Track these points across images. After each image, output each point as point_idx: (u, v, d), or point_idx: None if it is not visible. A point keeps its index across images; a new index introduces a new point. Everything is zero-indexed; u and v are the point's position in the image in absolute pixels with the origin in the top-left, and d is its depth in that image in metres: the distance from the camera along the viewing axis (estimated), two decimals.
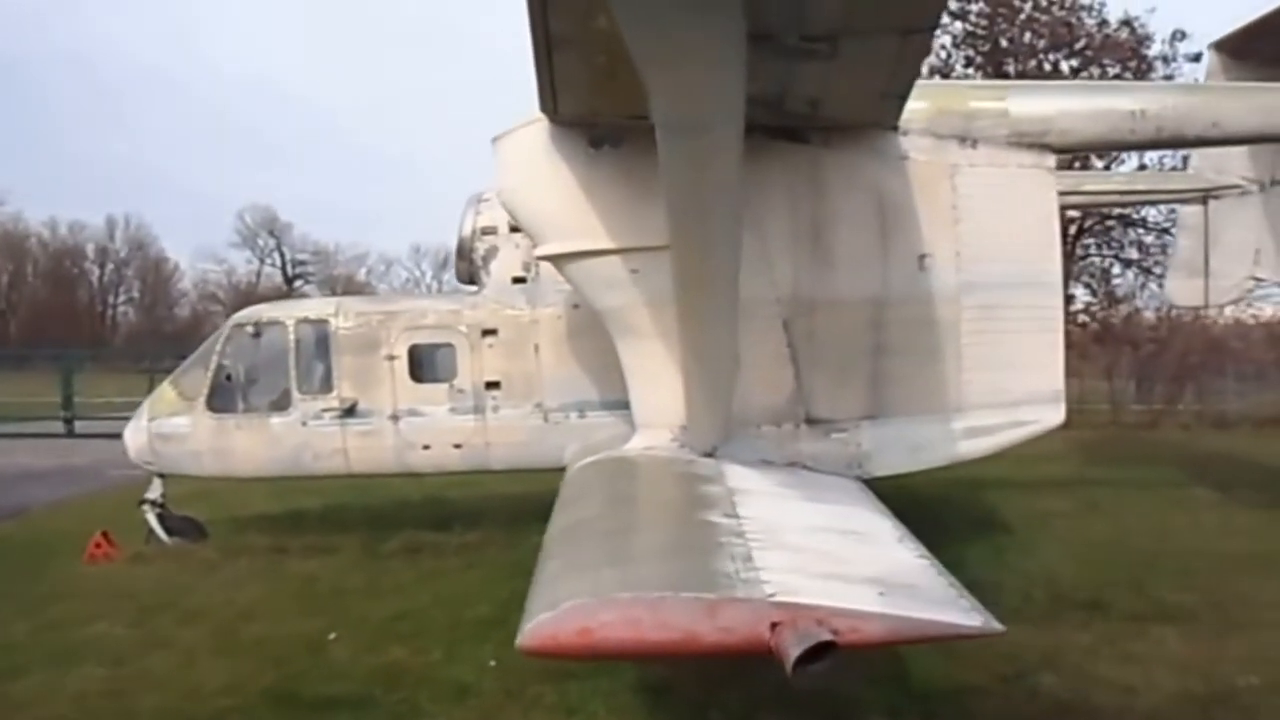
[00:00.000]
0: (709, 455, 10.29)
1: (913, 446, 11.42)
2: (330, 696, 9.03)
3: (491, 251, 14.38)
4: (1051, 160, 11.51)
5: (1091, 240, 37.02)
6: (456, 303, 14.91)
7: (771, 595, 5.27)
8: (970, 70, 35.01)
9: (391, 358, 14.56)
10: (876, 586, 5.80)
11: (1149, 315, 37.14)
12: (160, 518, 15.45)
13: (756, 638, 4.95)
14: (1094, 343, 36.50)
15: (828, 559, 6.57)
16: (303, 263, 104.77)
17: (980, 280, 11.27)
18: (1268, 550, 13.75)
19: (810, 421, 11.19)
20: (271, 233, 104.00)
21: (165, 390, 15.39)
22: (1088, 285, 37.26)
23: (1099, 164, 29.87)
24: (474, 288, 14.78)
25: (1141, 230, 36.07)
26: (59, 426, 36.35)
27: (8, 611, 11.96)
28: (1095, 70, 34.47)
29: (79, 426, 36.08)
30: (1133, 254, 37.09)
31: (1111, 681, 9.05)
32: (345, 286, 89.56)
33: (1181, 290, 18.19)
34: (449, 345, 14.58)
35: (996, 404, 11.45)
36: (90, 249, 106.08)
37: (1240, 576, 12.38)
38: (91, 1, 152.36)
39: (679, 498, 8.70)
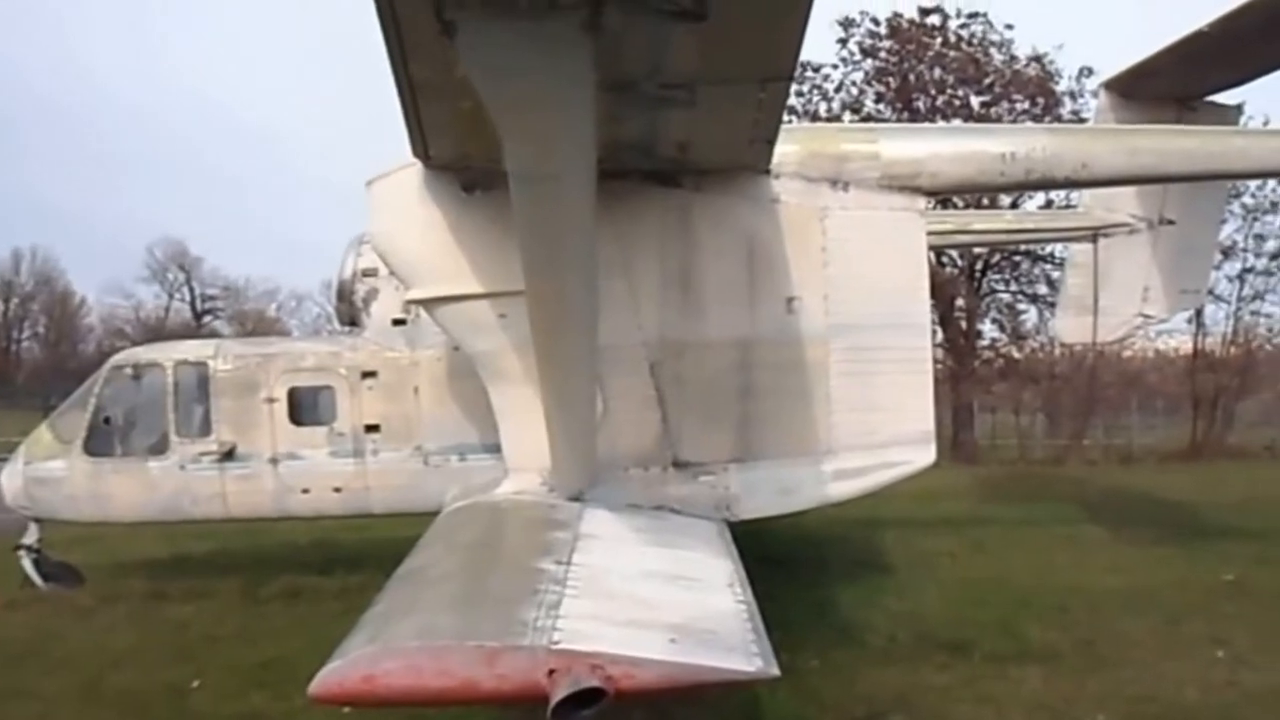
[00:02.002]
0: (576, 499, 10.28)
1: (781, 489, 11.37)
2: None
3: (372, 293, 14.27)
4: (922, 203, 11.59)
5: (999, 276, 37.42)
6: (336, 345, 14.82)
7: (556, 643, 5.31)
8: (881, 106, 35.52)
9: (271, 400, 14.38)
10: (673, 633, 5.86)
11: (1056, 351, 37.58)
12: (36, 563, 15.15)
13: (533, 684, 5.04)
14: (999, 379, 36.92)
15: (639, 606, 6.61)
16: (212, 298, 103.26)
17: (849, 322, 11.28)
18: (1148, 587, 13.99)
19: (678, 465, 11.16)
20: (182, 267, 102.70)
21: (42, 433, 15.14)
22: (995, 321, 37.61)
23: (1006, 202, 30.42)
24: (355, 330, 14.65)
25: (1049, 265, 36.59)
26: None
27: None
28: (1004, 106, 35.07)
29: None
30: (1041, 289, 37.64)
31: None
32: (255, 322, 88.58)
33: (1070, 328, 18.43)
34: (329, 388, 14.43)
35: (866, 446, 11.44)
36: None
37: (1115, 614, 12.58)
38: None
39: (520, 544, 8.68)
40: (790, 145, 11.06)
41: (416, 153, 10.05)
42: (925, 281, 11.85)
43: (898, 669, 10.37)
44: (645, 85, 8.13)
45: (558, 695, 4.89)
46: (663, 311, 10.98)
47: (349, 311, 14.63)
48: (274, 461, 14.33)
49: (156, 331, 77.92)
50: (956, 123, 33.21)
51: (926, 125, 17.13)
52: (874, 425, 11.45)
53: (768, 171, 10.95)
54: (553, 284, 8.64)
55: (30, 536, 15.17)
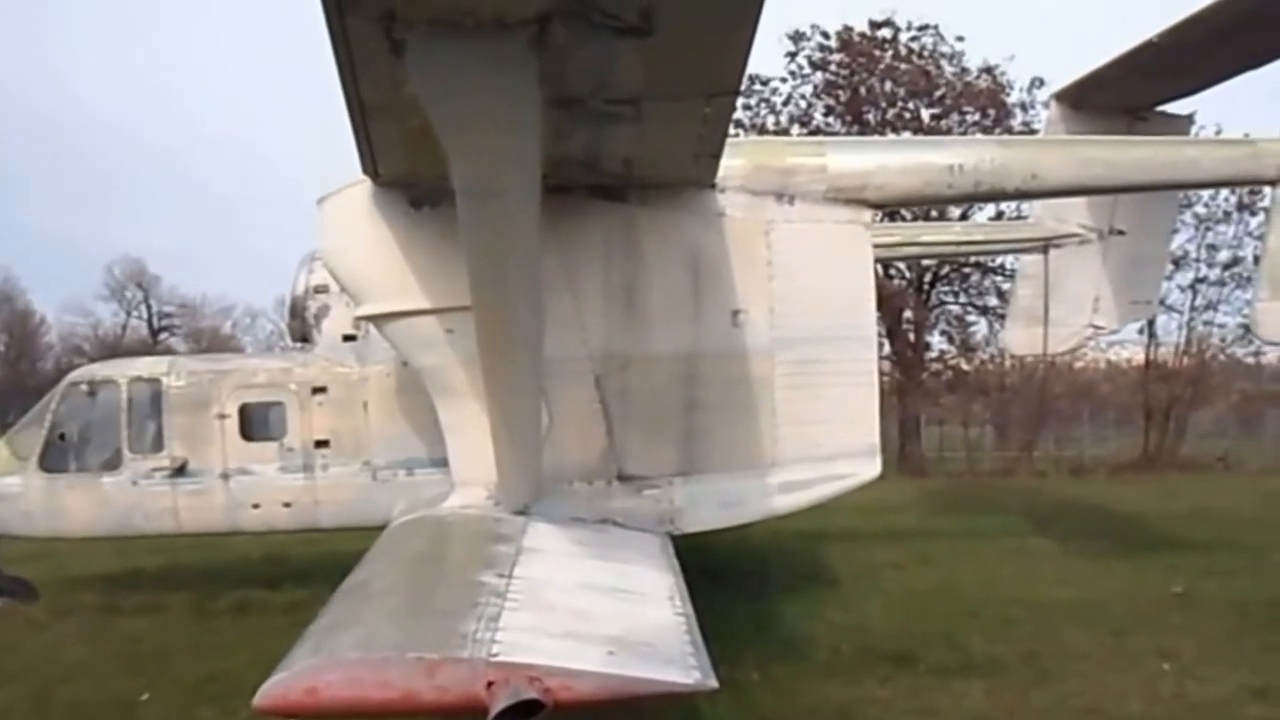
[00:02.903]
0: (521, 513, 10.40)
1: (725, 502, 11.49)
2: None
3: (323, 310, 14.32)
4: (868, 215, 11.72)
5: (948, 288, 37.60)
6: (287, 361, 14.88)
7: (495, 655, 5.39)
8: (830, 119, 35.70)
9: (223, 416, 14.40)
10: (612, 645, 5.96)
11: (1007, 362, 37.73)
12: None
13: (472, 696, 5.13)
14: (947, 390, 37.09)
15: (578, 618, 6.71)
16: (169, 315, 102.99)
17: (794, 335, 11.40)
18: (1096, 599, 14.09)
19: (622, 478, 11.27)
20: (140, 285, 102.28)
21: None
22: (944, 333, 37.80)
23: (955, 213, 30.66)
24: (307, 346, 14.70)
25: (999, 277, 36.84)
26: None
27: None
28: (955, 118, 35.31)
29: None
30: (991, 300, 37.83)
31: None
32: (211, 339, 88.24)
33: (1019, 339, 18.55)
34: (279, 404, 14.47)
35: (811, 458, 11.54)
36: None
37: (1061, 626, 12.66)
38: None
39: (463, 558, 8.74)
40: (736, 159, 11.21)
41: (366, 170, 10.15)
42: (872, 294, 11.96)
43: (840, 681, 10.45)
44: (591, 101, 8.28)
45: (496, 707, 4.96)
46: (608, 325, 11.10)
47: (301, 328, 14.68)
48: (225, 477, 14.35)
49: (114, 349, 77.60)
50: (907, 135, 33.41)
51: (874, 138, 17.29)
52: (819, 438, 11.56)
53: (713, 186, 11.09)
54: (498, 299, 8.75)
55: None
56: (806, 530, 18.54)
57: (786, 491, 11.60)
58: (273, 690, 5.39)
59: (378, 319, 11.31)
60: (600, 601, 7.47)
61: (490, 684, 5.11)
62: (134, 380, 14.72)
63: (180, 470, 14.32)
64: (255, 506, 14.37)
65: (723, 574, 14.90)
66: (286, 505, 14.34)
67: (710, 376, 11.32)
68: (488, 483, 10.72)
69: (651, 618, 6.91)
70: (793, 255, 11.42)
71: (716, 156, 10.08)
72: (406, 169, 9.75)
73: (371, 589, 7.76)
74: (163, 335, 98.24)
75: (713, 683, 5.67)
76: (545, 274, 10.70)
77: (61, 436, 14.69)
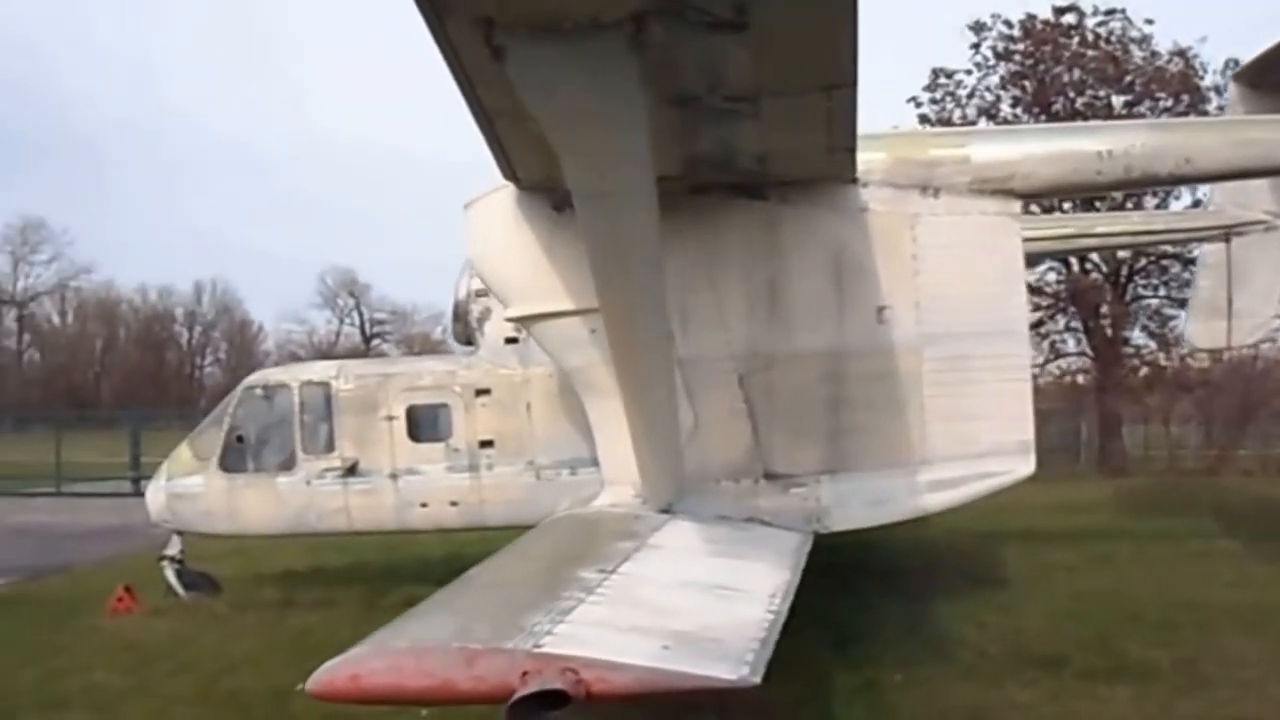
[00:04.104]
0: (666, 511, 10.46)
1: (873, 500, 11.39)
2: None
3: (485, 313, 14.54)
4: (1016, 206, 11.48)
5: (1146, 281, 36.22)
6: (452, 363, 15.27)
7: (539, 646, 5.40)
8: (1018, 110, 34.81)
9: (390, 418, 14.82)
10: (673, 640, 5.93)
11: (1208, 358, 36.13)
12: (178, 573, 15.83)
13: (507, 686, 5.10)
14: (1145, 388, 35.74)
15: (656, 614, 6.68)
16: (381, 322, 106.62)
17: (942, 330, 11.23)
18: (1271, 604, 13.24)
19: (769, 476, 11.26)
20: (351, 293, 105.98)
21: (182, 451, 15.82)
22: (1145, 328, 36.39)
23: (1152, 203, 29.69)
24: (471, 349, 15.03)
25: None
26: (129, 486, 37.07)
27: (20, 660, 12.42)
28: (1147, 105, 34.06)
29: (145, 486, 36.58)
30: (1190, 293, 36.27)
31: None
32: (422, 344, 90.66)
33: (1202, 332, 17.76)
34: (444, 405, 14.81)
35: (961, 456, 11.35)
36: (179, 313, 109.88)
37: (1227, 632, 11.98)
38: (176, 73, 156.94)
39: (577, 553, 8.71)
40: (878, 153, 11.12)
41: (505, 175, 10.39)
42: (1022, 286, 11.76)
43: (982, 684, 10.14)
44: (708, 99, 8.32)
45: (518, 694, 4.99)
46: (751, 324, 11.12)
47: (464, 331, 15.02)
48: (394, 477, 14.75)
49: (328, 355, 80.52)
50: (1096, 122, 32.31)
51: (1019, 127, 16.69)
52: (970, 435, 11.37)
53: (855, 180, 10.98)
54: (623, 299, 8.87)
55: (173, 548, 15.87)
56: (985, 530, 18.26)
57: (936, 490, 11.45)
58: (322, 676, 5.50)
59: (525, 320, 11.56)
60: (693, 598, 7.45)
61: (525, 674, 5.11)
62: (305, 384, 15.29)
63: (351, 470, 14.79)
64: (423, 505, 14.73)
65: (887, 573, 14.78)
66: (454, 504, 14.66)
67: (856, 374, 11.23)
68: (635, 481, 10.82)
69: (736, 615, 6.83)
70: (939, 249, 11.26)
71: (851, 150, 10.02)
72: (544, 173, 9.82)
73: (474, 582, 7.92)
74: (375, 341, 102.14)
75: (755, 679, 5.58)
76: (687, 274, 10.87)
77: (239, 438, 15.30)
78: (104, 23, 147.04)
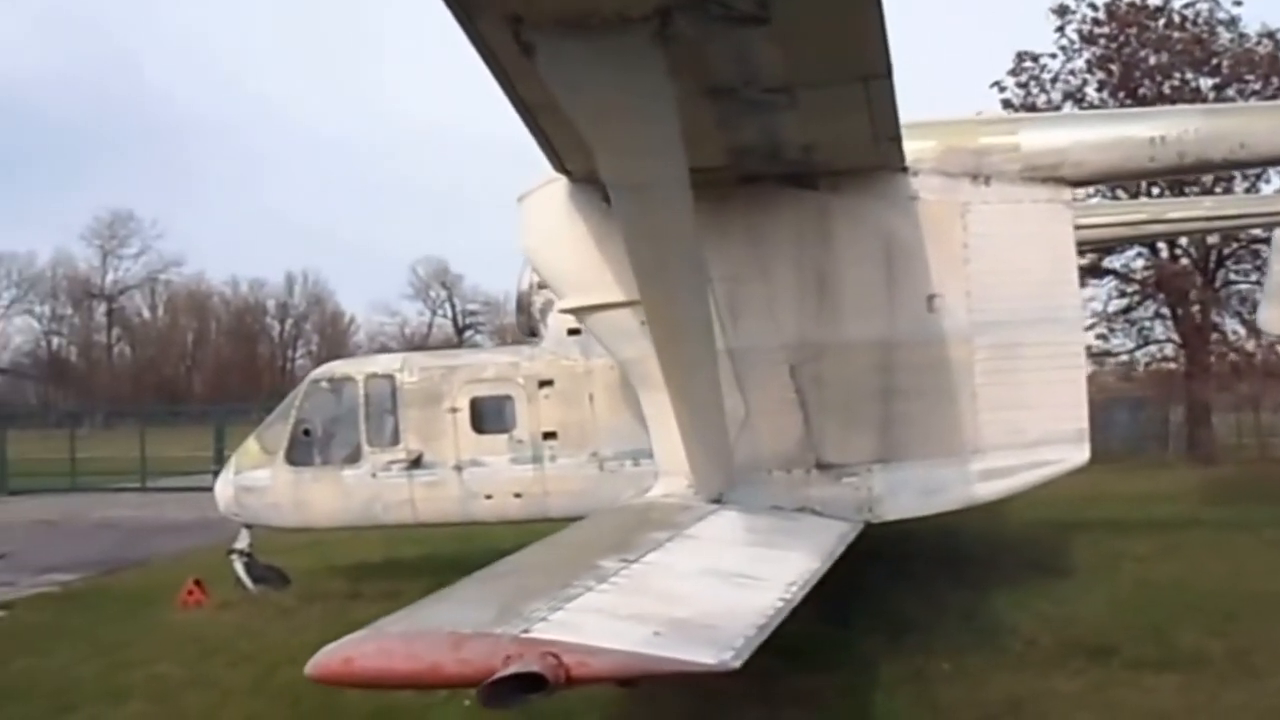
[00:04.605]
0: (716, 501, 10.46)
1: (925, 490, 11.31)
2: None
3: (548, 305, 14.62)
4: (1068, 193, 11.35)
5: (1238, 267, 35.43)
6: (515, 355, 15.40)
7: (526, 631, 5.43)
8: (1103, 94, 34.24)
9: (454, 410, 14.97)
10: (666, 627, 5.94)
11: None
12: (247, 566, 16.09)
13: (490, 669, 5.12)
14: (1234, 375, 34.99)
15: (662, 601, 6.70)
16: (473, 313, 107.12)
17: (994, 319, 11.12)
18: None
19: (821, 466, 11.22)
20: (443, 284, 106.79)
21: (250, 444, 16.16)
22: (1236, 314, 35.56)
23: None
24: (534, 340, 15.14)
25: None
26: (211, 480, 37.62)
27: (87, 652, 12.69)
28: (1235, 87, 33.32)
29: None
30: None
31: None
32: (515, 335, 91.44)
33: (1275, 318, 17.48)
34: (508, 397, 14.95)
35: (1014, 445, 11.24)
36: (271, 305, 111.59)
37: None
38: (263, 64, 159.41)
39: (607, 542, 8.61)
40: (927, 141, 11.05)
41: (556, 168, 10.47)
42: (1074, 274, 11.63)
43: (1029, 674, 10.04)
44: (745, 91, 8.32)
45: (493, 677, 5.04)
46: (802, 313, 11.09)
47: (527, 323, 15.19)
48: (458, 468, 14.92)
49: (420, 347, 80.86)
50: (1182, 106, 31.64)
51: (1070, 113, 16.27)
52: (1022, 423, 11.26)
53: (904, 169, 10.94)
54: (662, 290, 8.94)
55: (242, 541, 16.15)
56: (1062, 520, 18.09)
57: (988, 479, 11.35)
58: (320, 660, 5.59)
59: (578, 312, 11.64)
60: (707, 586, 7.43)
61: (508, 658, 5.13)
62: (370, 377, 15.49)
63: (416, 463, 14.96)
64: (488, 497, 14.89)
65: (954, 563, 14.73)
66: (517, 496, 14.80)
67: (907, 363, 11.16)
68: (687, 472, 10.81)
69: (743, 603, 6.78)
70: (990, 237, 11.15)
71: (896, 139, 9.97)
72: (592, 165, 9.84)
73: (496, 570, 7.97)
74: (468, 332, 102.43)
75: (735, 664, 5.55)
76: (738, 264, 10.90)
77: (305, 432, 15.54)
78: (191, 15, 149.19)
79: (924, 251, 11.09)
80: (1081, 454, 11.36)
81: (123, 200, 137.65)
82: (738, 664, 5.54)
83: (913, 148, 10.69)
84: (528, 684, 5.03)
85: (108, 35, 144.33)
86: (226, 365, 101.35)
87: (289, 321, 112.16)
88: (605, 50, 6.70)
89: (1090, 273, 32.60)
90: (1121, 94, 33.63)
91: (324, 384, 15.74)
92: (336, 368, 16.33)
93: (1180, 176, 23.27)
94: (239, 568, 16.09)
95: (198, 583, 15.57)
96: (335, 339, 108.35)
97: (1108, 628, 11.60)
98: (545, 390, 14.76)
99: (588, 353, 14.44)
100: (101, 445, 49.04)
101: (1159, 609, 12.36)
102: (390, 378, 15.33)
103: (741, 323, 11.03)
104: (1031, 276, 11.22)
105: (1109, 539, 17.33)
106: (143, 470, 38.54)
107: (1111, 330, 36.16)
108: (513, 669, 5.00)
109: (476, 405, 15.03)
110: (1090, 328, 34.68)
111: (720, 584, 7.54)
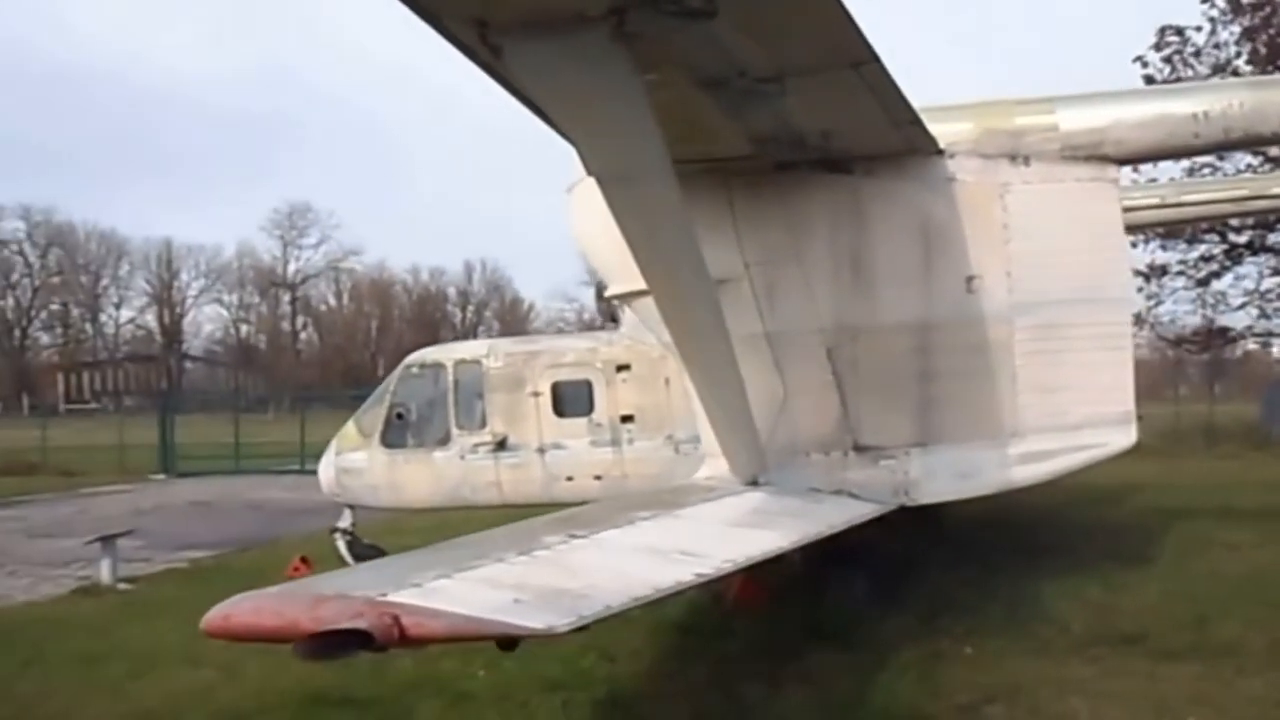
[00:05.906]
0: (752, 483, 10.61)
1: (962, 473, 11.26)
2: (354, 698, 9.97)
3: None
4: (1114, 171, 11.23)
5: None
6: (594, 341, 15.77)
7: (383, 594, 5.70)
8: (1251, 67, 33.03)
9: (536, 394, 15.36)
10: (529, 594, 6.09)
11: None
12: (348, 545, 16.62)
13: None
14: None
15: (561, 573, 6.81)
16: None
17: (1035, 299, 11.03)
18: None
19: (859, 449, 11.29)
20: None
21: (349, 428, 16.76)
22: None
23: None
24: (613, 326, 15.48)
25: None
26: None
27: (178, 622, 13.03)
28: None
29: None
30: None
31: (1054, 715, 8.79)
32: None
33: None
34: (587, 381, 15.29)
35: (1055, 428, 11.12)
36: (451, 292, 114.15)
37: None
38: (438, 61, 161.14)
39: (577, 520, 8.60)
40: (964, 123, 11.07)
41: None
42: (1122, 254, 11.52)
43: (1045, 660, 9.96)
44: (738, 82, 8.54)
45: (315, 631, 5.28)
46: (838, 297, 11.18)
47: (608, 309, 15.49)
48: (541, 451, 15.31)
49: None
50: None
51: (1110, 91, 15.76)
52: (1064, 406, 11.15)
53: (940, 151, 10.96)
54: (663, 278, 9.16)
55: (344, 521, 16.75)
56: (1167, 507, 17.77)
57: (1027, 462, 11.24)
58: (208, 615, 5.85)
59: (624, 298, 11.93)
60: (631, 562, 7.48)
61: (357, 617, 5.32)
62: (459, 362, 15.98)
63: (501, 445, 15.40)
64: (569, 479, 15.23)
65: (1030, 549, 14.69)
66: (597, 478, 15.13)
67: (945, 345, 11.15)
68: None
69: (646, 576, 6.84)
70: (1031, 218, 11.09)
71: (917, 123, 10.05)
72: None
73: (456, 541, 8.07)
74: None
75: (559, 630, 5.66)
76: (774, 248, 11.07)
77: (399, 415, 16.06)
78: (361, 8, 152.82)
79: (962, 233, 11.08)
80: (1127, 437, 11.21)
81: (300, 193, 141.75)
82: (560, 631, 5.73)
83: (949, 130, 10.79)
84: (362, 641, 5.31)
85: (276, 32, 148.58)
86: (409, 351, 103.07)
87: (469, 308, 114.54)
88: (568, 49, 6.97)
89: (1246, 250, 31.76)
90: (1271, 67, 32.43)
91: (415, 369, 16.28)
92: (428, 354, 16.84)
93: (1228, 151, 22.37)
94: (341, 546, 16.62)
95: (304, 559, 16.16)
96: (515, 325, 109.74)
97: (1148, 617, 11.38)
98: (623, 375, 15.08)
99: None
100: (282, 429, 50.38)
101: (1215, 599, 12.00)
102: (477, 363, 15.79)
103: (780, 306, 11.19)
104: (1075, 256, 11.09)
105: (1209, 526, 16.95)
106: (301, 453, 39.78)
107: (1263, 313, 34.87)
108: (342, 625, 5.28)
109: (557, 389, 15.38)
110: (1241, 307, 33.81)
111: (648, 560, 7.56)
